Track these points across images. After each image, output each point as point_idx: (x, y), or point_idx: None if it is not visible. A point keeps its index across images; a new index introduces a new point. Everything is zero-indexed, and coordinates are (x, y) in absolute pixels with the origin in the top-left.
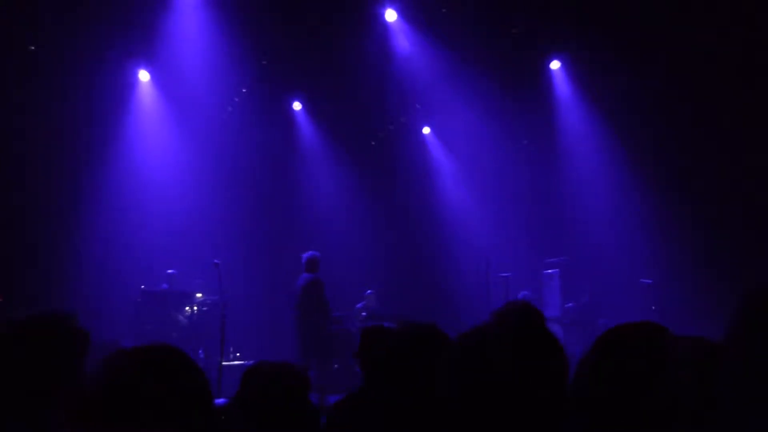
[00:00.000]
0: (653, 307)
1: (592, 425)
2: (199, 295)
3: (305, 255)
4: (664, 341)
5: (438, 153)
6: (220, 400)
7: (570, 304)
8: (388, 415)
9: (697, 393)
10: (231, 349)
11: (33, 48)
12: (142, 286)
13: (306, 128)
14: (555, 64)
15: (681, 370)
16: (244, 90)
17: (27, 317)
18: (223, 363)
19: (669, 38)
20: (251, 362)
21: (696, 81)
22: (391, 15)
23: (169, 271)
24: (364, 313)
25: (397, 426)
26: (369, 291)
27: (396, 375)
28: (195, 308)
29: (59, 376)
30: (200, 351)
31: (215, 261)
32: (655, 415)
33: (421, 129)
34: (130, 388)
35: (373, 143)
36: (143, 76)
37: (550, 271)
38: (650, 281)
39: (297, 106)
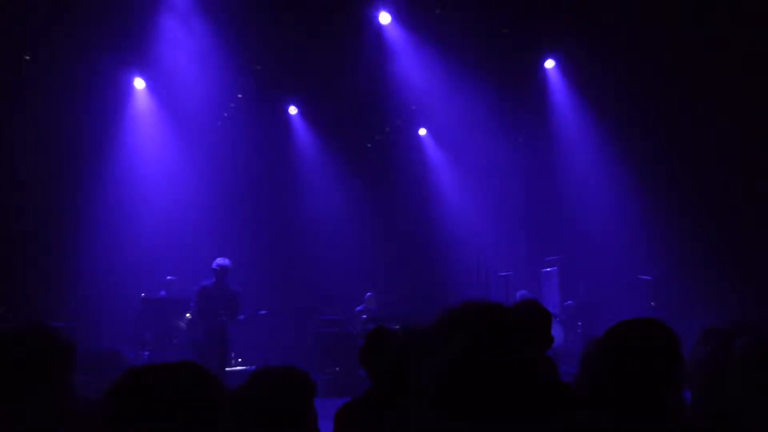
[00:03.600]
0: (652, 304)
1: (600, 415)
2: None
3: (215, 261)
4: (669, 336)
5: (434, 154)
6: None
7: (569, 302)
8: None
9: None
10: (232, 355)
11: (28, 57)
12: (143, 294)
13: (302, 132)
14: (549, 63)
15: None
16: (239, 95)
17: (7, 329)
18: (225, 369)
19: (665, 36)
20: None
21: (693, 79)
22: (385, 18)
23: (168, 277)
24: (364, 316)
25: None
26: (369, 293)
27: (404, 378)
28: None
29: (40, 390)
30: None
31: (213, 267)
32: (668, 404)
33: (417, 131)
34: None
35: (369, 145)
36: (138, 83)
37: (548, 269)
38: (649, 278)
39: (293, 110)
